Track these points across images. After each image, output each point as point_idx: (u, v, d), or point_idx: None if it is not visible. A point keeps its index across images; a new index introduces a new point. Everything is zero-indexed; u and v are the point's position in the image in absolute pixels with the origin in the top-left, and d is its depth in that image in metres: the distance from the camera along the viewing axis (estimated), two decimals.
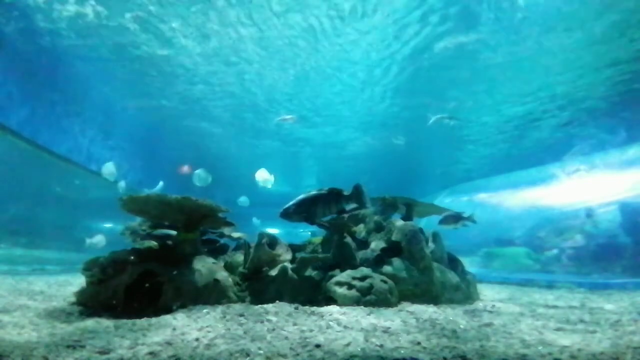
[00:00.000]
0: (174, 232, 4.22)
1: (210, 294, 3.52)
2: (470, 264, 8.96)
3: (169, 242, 4.16)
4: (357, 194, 4.38)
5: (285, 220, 4.10)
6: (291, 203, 4.11)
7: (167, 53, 10.15)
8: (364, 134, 15.39)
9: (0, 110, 10.20)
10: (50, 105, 12.00)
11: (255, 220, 14.72)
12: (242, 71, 11.13)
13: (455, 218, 5.06)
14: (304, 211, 4.08)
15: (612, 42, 8.40)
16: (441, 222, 5.16)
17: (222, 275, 3.76)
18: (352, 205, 4.59)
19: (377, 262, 4.32)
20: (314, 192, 4.20)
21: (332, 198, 4.22)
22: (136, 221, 4.89)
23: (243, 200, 13.06)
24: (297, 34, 9.30)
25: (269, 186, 8.90)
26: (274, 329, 2.50)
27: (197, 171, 9.14)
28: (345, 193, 4.31)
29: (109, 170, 9.16)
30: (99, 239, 9.54)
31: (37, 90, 11.22)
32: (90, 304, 3.35)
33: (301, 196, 4.16)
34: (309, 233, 8.97)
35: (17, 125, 10.73)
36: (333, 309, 3.32)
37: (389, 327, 2.62)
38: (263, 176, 8.93)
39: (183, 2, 8.24)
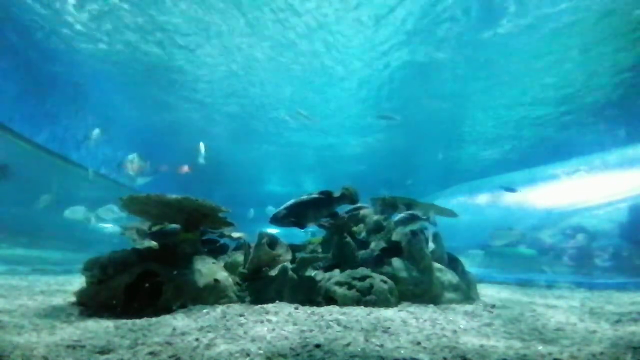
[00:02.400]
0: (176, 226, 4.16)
1: (210, 294, 3.52)
2: (470, 264, 8.96)
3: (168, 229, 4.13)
4: (347, 195, 4.39)
5: (275, 225, 4.10)
6: (281, 208, 4.13)
7: (172, 58, 10.26)
8: (364, 135, 15.42)
9: (0, 110, 10.21)
10: (50, 105, 12.02)
11: (251, 212, 14.64)
12: (247, 79, 11.28)
13: (411, 219, 4.49)
14: (294, 216, 4.09)
15: (613, 42, 8.40)
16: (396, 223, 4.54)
17: (222, 275, 3.76)
18: (347, 208, 4.58)
19: (377, 262, 4.32)
20: (304, 197, 4.22)
21: (322, 201, 4.22)
22: (136, 221, 4.88)
23: (270, 210, 13.29)
24: (301, 43, 9.43)
25: (202, 160, 8.25)
26: (274, 329, 2.50)
27: (130, 156, 8.34)
28: (335, 195, 4.31)
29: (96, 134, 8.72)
30: (77, 210, 9.16)
31: (37, 89, 11.25)
32: (90, 304, 3.35)
33: (291, 201, 4.18)
34: (309, 233, 8.92)
35: (17, 125, 10.74)
36: (333, 309, 3.32)
37: (389, 327, 2.62)
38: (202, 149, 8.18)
39: (198, 15, 8.35)
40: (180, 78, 11.27)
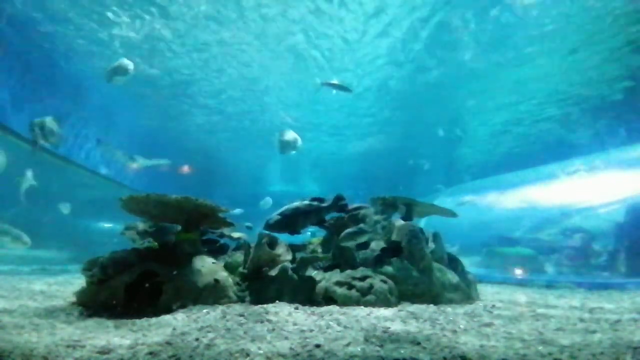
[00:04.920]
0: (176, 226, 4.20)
1: (210, 294, 3.52)
2: (470, 264, 8.94)
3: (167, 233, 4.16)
4: (337, 204, 4.58)
5: (269, 231, 4.27)
6: (274, 214, 4.36)
7: (181, 68, 10.42)
8: (364, 137, 15.45)
9: (1, 110, 10.21)
10: (50, 104, 12.03)
11: (269, 201, 14.45)
12: (252, 85, 11.39)
13: (358, 233, 4.38)
14: (286, 223, 4.33)
15: (613, 41, 8.39)
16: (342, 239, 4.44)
17: (222, 275, 3.76)
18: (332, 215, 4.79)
19: (377, 262, 4.32)
20: (295, 203, 4.43)
21: (312, 209, 4.47)
22: (136, 221, 4.88)
23: (267, 200, 13.44)
24: (304, 51, 9.61)
25: (293, 151, 7.22)
26: (274, 329, 2.50)
27: (47, 120, 6.72)
28: (325, 204, 4.50)
29: None
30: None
31: (38, 89, 11.25)
32: (90, 304, 3.35)
33: (284, 207, 4.40)
34: (309, 233, 8.89)
35: (17, 125, 10.73)
36: (333, 309, 3.32)
37: (389, 327, 2.62)
38: (291, 136, 6.99)
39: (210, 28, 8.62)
40: (186, 84, 11.39)
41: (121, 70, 6.47)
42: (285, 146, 7.10)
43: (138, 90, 11.97)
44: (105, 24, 8.63)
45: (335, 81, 8.88)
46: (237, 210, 12.32)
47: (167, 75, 10.98)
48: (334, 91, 10.03)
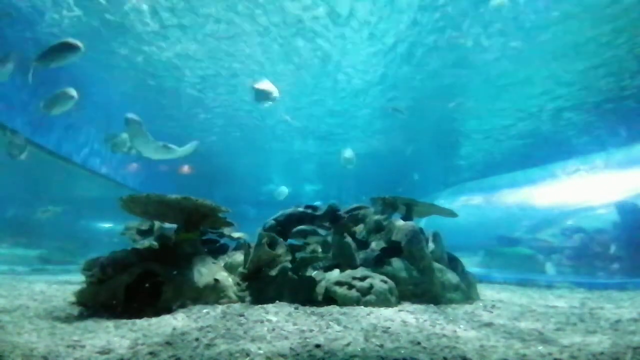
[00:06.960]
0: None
1: (210, 294, 3.52)
2: (470, 264, 8.94)
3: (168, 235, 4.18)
4: (330, 212, 4.72)
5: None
6: (271, 219, 4.61)
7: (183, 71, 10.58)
8: (365, 137, 15.47)
9: (1, 110, 10.20)
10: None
11: (284, 190, 14.11)
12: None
13: (309, 233, 4.57)
14: (280, 228, 4.59)
15: (613, 40, 8.39)
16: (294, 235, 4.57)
17: (222, 275, 3.76)
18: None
19: (377, 262, 4.32)
20: (291, 209, 4.67)
21: (305, 217, 4.72)
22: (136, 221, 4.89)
23: (282, 190, 13.28)
24: (306, 56, 9.79)
25: (269, 102, 7.08)
26: (274, 329, 2.50)
27: None
28: (319, 212, 4.63)
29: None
30: None
31: (38, 89, 11.25)
32: (90, 304, 3.35)
33: (279, 212, 4.64)
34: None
35: (17, 125, 10.72)
36: (333, 309, 3.32)
37: (389, 327, 2.62)
38: (266, 86, 6.92)
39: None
40: (189, 87, 11.47)
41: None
42: (259, 95, 6.82)
43: (146, 96, 12.05)
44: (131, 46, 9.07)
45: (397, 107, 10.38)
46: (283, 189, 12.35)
47: (179, 86, 11.23)
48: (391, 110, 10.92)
